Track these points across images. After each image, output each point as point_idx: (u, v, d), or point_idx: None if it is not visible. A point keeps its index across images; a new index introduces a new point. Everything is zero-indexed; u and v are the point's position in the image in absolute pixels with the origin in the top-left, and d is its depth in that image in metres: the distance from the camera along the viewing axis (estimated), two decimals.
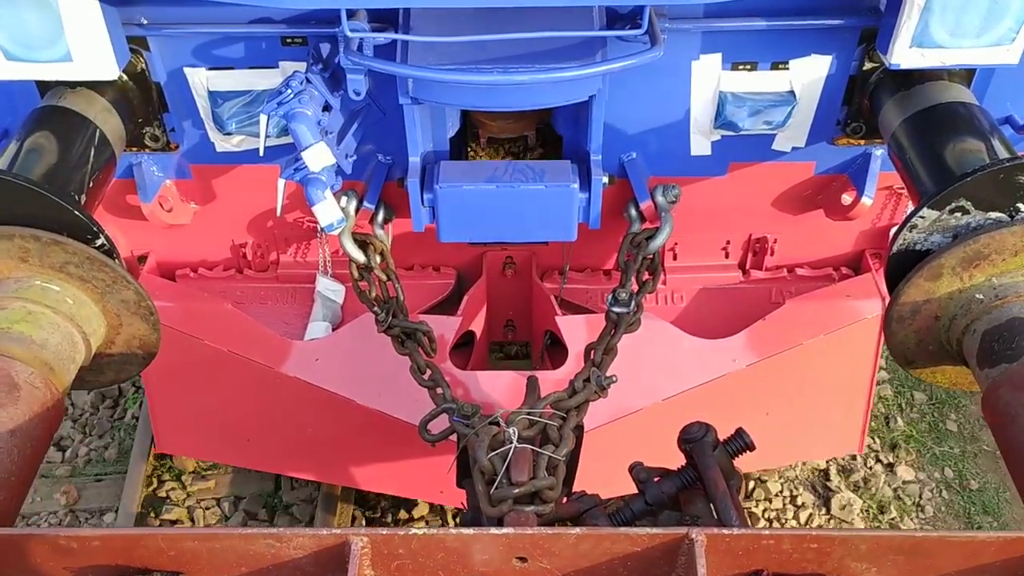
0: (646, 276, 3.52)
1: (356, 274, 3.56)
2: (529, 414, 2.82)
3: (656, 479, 2.62)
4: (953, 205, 2.62)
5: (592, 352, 3.31)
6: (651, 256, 3.50)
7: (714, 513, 2.48)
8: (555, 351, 4.14)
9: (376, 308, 3.49)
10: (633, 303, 3.39)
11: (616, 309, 3.38)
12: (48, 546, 1.85)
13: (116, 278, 2.66)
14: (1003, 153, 2.89)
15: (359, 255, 3.51)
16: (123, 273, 2.66)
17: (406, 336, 3.44)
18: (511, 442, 2.64)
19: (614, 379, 3.14)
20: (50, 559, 1.87)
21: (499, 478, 2.61)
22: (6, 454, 2.20)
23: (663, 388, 3.78)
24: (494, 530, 1.87)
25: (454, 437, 3.04)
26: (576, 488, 2.84)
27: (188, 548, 1.86)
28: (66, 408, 5.27)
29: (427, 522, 4.65)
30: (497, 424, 2.79)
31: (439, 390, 3.23)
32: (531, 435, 2.77)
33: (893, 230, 4.01)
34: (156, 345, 2.88)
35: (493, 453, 2.65)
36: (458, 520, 4.57)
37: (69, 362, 2.59)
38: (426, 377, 3.31)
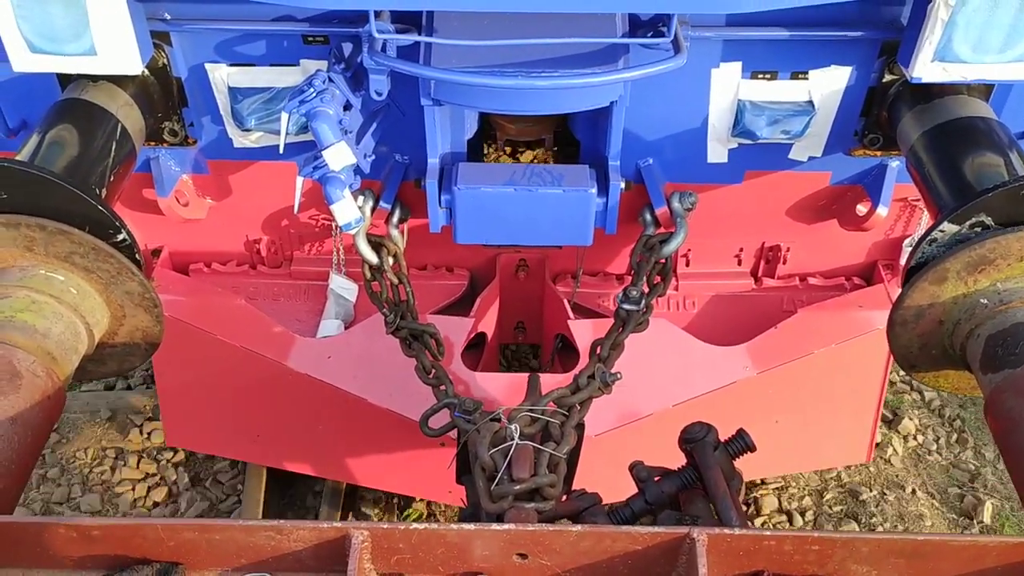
0: (657, 279, 3.53)
1: (368, 275, 3.57)
2: (531, 410, 2.82)
3: (656, 478, 2.63)
4: (973, 220, 2.62)
5: (599, 348, 3.31)
6: (663, 260, 3.51)
7: (714, 514, 2.48)
8: (566, 355, 4.15)
9: (385, 310, 3.50)
10: (643, 302, 3.39)
11: (626, 306, 3.39)
12: (48, 535, 1.85)
13: (121, 269, 2.65)
14: (1022, 169, 2.89)
15: (372, 256, 3.52)
16: (128, 264, 2.65)
17: (413, 338, 3.45)
18: (512, 439, 2.63)
19: (619, 376, 3.13)
20: (50, 548, 1.87)
21: (500, 474, 2.60)
22: (6, 442, 2.20)
23: (673, 394, 3.78)
24: (495, 526, 1.86)
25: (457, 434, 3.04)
26: None
27: (188, 539, 1.85)
28: None
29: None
30: (499, 420, 2.79)
31: (442, 387, 3.24)
32: (532, 432, 2.77)
33: (907, 241, 4.04)
34: (159, 337, 2.86)
35: (495, 449, 2.64)
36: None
37: (72, 352, 2.58)
38: (430, 376, 3.32)
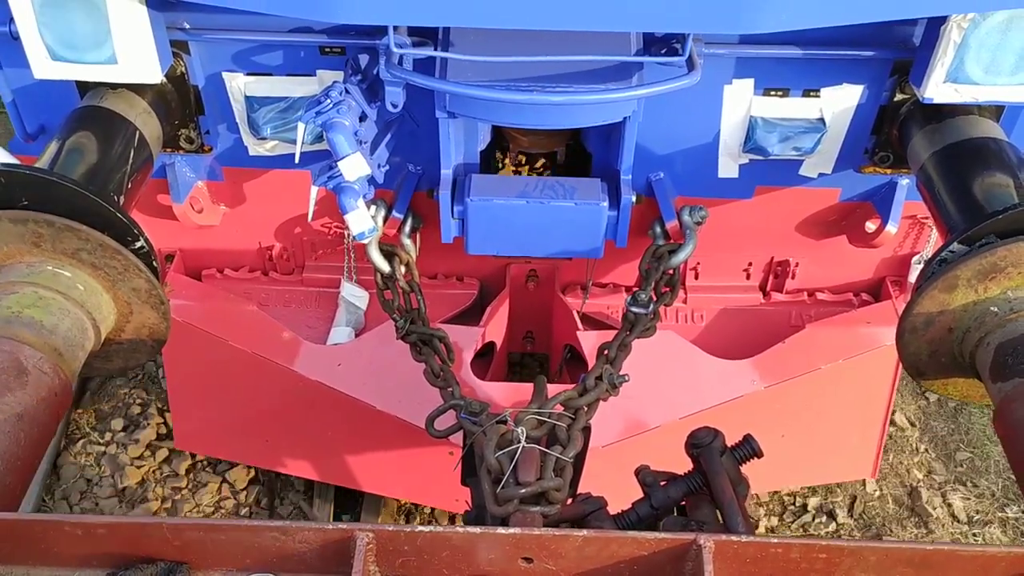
0: (665, 289, 3.54)
1: (380, 283, 3.59)
2: (538, 413, 2.81)
3: (662, 483, 2.62)
4: (983, 241, 2.64)
5: (606, 350, 3.31)
6: (672, 271, 3.52)
7: (720, 519, 2.47)
8: (574, 365, 4.17)
9: (395, 315, 3.53)
10: (651, 307, 3.41)
11: (634, 309, 3.41)
12: (54, 532, 1.84)
13: (128, 266, 2.65)
14: None
15: (384, 265, 3.54)
16: (135, 261, 2.66)
17: (423, 343, 3.48)
18: (519, 442, 2.64)
19: (626, 378, 3.13)
20: (55, 545, 1.86)
21: (506, 477, 2.60)
22: (13, 438, 2.19)
23: (681, 406, 3.80)
24: (501, 529, 1.85)
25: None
26: None
27: (193, 539, 1.85)
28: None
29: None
30: (505, 423, 2.79)
31: (450, 390, 3.25)
32: (539, 435, 2.77)
33: (915, 258, 4.06)
34: (165, 334, 2.86)
35: (500, 452, 2.64)
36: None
37: (78, 348, 2.57)
38: (439, 380, 3.34)
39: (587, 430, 2.94)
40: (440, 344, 3.46)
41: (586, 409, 2.99)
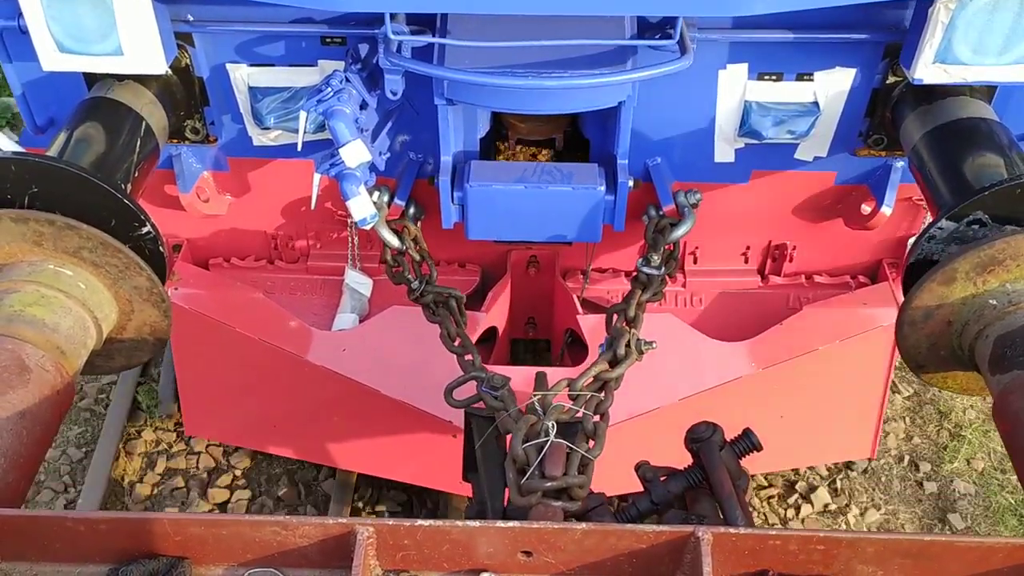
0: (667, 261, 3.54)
1: (391, 260, 3.64)
2: (570, 388, 2.80)
3: (662, 478, 2.64)
4: (971, 217, 2.68)
5: (626, 311, 3.29)
6: (672, 247, 3.54)
7: (720, 513, 2.49)
8: (575, 349, 4.23)
9: (410, 277, 3.57)
10: (663, 269, 3.44)
11: (646, 270, 3.43)
12: (56, 528, 1.86)
13: (129, 264, 2.69)
14: (1021, 169, 2.95)
15: (394, 240, 3.58)
16: (135, 259, 2.69)
17: (437, 304, 3.51)
18: (547, 435, 2.62)
19: (654, 344, 3.15)
20: (57, 541, 1.88)
21: (531, 469, 2.58)
22: (16, 436, 2.22)
23: (680, 389, 3.85)
24: (500, 523, 1.86)
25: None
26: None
27: (194, 534, 1.87)
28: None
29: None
30: (534, 412, 2.75)
31: (468, 357, 3.26)
32: (564, 420, 2.73)
33: (911, 240, 4.09)
34: (167, 332, 2.88)
35: (528, 444, 2.62)
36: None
37: (80, 346, 2.61)
38: (456, 344, 3.36)
39: (606, 418, 2.89)
40: (454, 303, 3.49)
41: (615, 383, 2.96)
